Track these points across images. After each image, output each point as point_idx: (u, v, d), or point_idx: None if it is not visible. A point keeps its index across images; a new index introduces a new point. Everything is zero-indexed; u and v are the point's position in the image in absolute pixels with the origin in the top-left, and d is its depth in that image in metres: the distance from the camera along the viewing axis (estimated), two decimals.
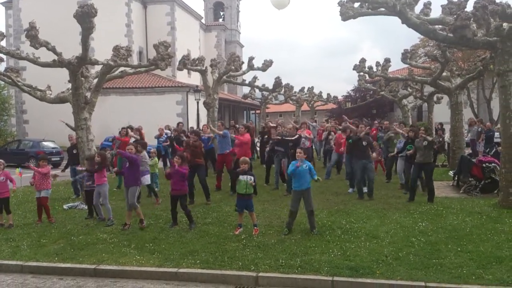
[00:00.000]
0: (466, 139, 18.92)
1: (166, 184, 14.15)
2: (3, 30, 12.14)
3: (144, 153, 11.99)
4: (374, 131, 17.56)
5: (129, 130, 15.06)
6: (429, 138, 11.48)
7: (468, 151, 17.83)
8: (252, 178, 8.74)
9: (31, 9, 36.19)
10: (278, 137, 13.42)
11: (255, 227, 8.68)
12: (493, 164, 12.34)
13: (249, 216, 8.86)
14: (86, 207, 10.88)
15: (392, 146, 14.52)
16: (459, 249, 7.40)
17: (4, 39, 11.67)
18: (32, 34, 10.97)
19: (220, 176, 13.79)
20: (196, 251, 7.59)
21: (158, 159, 14.41)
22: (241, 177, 8.77)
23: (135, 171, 9.55)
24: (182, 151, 10.60)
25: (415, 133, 12.05)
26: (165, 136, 18.53)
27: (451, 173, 15.04)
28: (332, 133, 17.52)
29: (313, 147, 20.31)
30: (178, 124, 19.71)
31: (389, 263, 6.84)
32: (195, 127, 23.18)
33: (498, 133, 21.68)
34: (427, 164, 11.52)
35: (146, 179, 11.98)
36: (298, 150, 8.90)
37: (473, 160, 13.07)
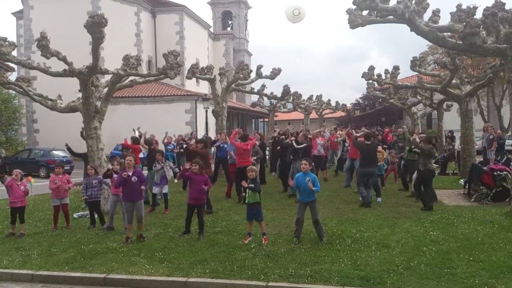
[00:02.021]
0: (477, 146, 18.78)
1: (175, 193, 14.20)
2: (14, 40, 12.27)
3: (169, 162, 12.19)
4: (390, 137, 17.62)
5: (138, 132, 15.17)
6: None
7: (479, 159, 17.70)
8: (253, 185, 8.66)
9: (42, 19, 36.51)
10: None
11: (264, 236, 8.65)
12: (504, 172, 12.22)
13: (258, 225, 8.82)
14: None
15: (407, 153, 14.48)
16: (471, 258, 7.32)
17: (16, 49, 11.80)
18: (43, 44, 11.10)
19: (231, 185, 13.75)
20: (205, 260, 7.58)
21: None
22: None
23: (141, 185, 9.24)
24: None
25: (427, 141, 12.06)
26: (173, 144, 18.60)
27: (462, 181, 14.93)
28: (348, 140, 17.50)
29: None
30: (191, 133, 19.82)
31: (400, 272, 6.78)
32: (203, 135, 23.17)
33: (509, 141, 21.55)
34: (424, 171, 11.56)
35: (166, 188, 12.09)
36: (303, 161, 8.82)
37: (484, 168, 12.96)
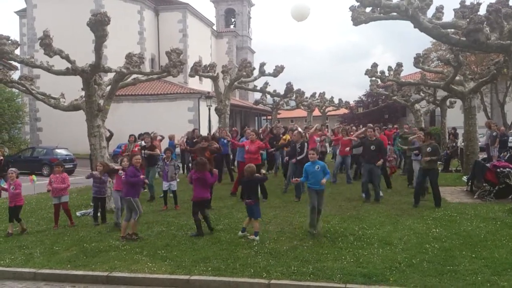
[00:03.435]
0: (480, 143, 18.69)
1: (178, 191, 14.16)
2: (18, 39, 12.28)
3: (174, 161, 12.52)
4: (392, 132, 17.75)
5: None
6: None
7: (482, 155, 17.65)
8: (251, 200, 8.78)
9: (45, 18, 36.65)
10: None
11: (254, 236, 8.59)
12: (507, 169, 12.18)
13: (253, 222, 8.79)
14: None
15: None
16: (473, 255, 7.31)
17: (19, 48, 11.80)
18: (46, 43, 11.09)
19: (237, 183, 13.69)
20: (208, 258, 7.58)
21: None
22: None
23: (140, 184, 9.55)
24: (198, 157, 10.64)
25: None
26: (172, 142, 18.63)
27: (464, 178, 14.89)
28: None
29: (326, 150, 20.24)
30: (193, 130, 19.81)
31: (403, 270, 6.77)
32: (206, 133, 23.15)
33: None
34: (431, 170, 11.55)
35: (174, 185, 12.15)
36: (310, 151, 9.20)
37: (487, 165, 12.92)
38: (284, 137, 16.81)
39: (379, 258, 7.32)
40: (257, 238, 8.49)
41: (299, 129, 14.39)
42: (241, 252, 7.87)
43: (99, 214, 10.66)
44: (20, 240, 9.34)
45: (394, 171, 16.82)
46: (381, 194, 12.48)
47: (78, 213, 11.68)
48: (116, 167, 10.87)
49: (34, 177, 11.84)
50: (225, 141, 15.89)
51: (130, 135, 15.20)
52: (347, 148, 14.92)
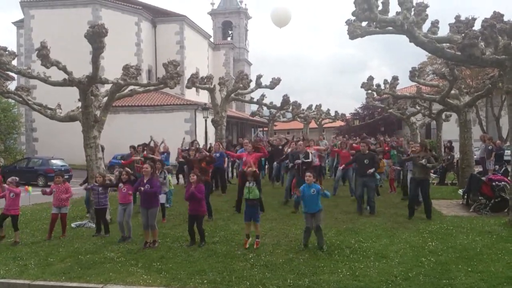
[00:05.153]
0: (475, 157, 18.76)
1: (174, 203, 14.14)
2: (15, 49, 12.31)
3: (165, 172, 12.54)
4: (387, 148, 17.77)
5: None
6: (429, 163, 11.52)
7: (477, 169, 17.69)
8: (254, 183, 9.00)
9: (42, 29, 36.69)
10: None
11: (257, 239, 8.80)
12: (503, 182, 12.22)
13: (254, 227, 8.91)
14: (94, 225, 10.89)
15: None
16: (469, 269, 7.30)
17: (16, 58, 11.82)
18: (43, 54, 11.12)
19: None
20: (203, 271, 7.55)
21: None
22: (246, 183, 9.10)
23: (156, 192, 9.52)
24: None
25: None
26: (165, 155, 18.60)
27: (460, 191, 14.92)
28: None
29: (324, 164, 20.27)
30: (193, 142, 19.76)
31: (399, 283, 6.76)
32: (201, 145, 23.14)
33: (508, 151, 21.54)
34: (424, 181, 11.66)
35: (162, 197, 12.04)
36: (307, 174, 9.06)
37: (482, 178, 12.96)
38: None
39: (375, 271, 7.31)
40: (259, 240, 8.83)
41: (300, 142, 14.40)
42: (237, 264, 7.84)
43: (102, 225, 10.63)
44: (14, 251, 9.28)
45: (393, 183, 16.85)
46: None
47: (73, 225, 11.62)
48: (112, 177, 10.91)
49: (29, 188, 11.75)
50: (217, 154, 15.85)
51: (138, 145, 15.26)
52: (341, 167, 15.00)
